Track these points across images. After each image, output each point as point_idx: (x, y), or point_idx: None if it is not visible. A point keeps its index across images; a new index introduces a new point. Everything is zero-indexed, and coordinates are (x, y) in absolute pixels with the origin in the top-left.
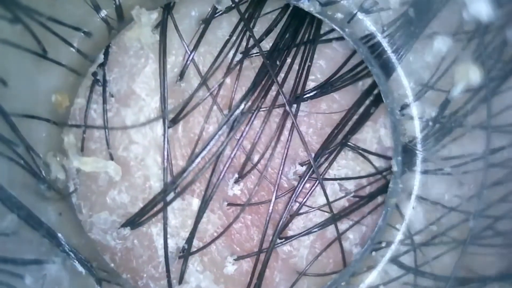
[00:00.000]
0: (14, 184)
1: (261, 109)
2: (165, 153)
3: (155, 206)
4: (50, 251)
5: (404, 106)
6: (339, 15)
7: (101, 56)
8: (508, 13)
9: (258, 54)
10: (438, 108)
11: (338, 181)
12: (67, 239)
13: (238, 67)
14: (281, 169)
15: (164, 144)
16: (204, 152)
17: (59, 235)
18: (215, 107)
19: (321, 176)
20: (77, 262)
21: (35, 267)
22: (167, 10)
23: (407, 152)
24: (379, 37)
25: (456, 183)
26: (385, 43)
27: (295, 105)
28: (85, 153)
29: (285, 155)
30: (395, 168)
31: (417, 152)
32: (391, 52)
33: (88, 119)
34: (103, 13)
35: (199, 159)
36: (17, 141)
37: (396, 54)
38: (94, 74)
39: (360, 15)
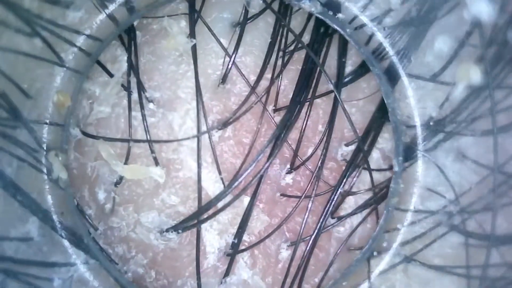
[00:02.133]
0: (34, 188)
1: (307, 100)
2: (198, 161)
3: (208, 210)
4: (75, 253)
5: (405, 106)
6: (340, 16)
7: (124, 65)
8: (508, 13)
9: (299, 49)
10: (439, 108)
11: (383, 153)
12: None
13: (278, 64)
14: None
15: (198, 153)
16: (260, 157)
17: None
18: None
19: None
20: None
21: (61, 269)
22: (193, 13)
23: (408, 149)
24: (380, 37)
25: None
26: (386, 43)
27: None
28: (130, 158)
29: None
30: (396, 168)
31: (417, 152)
32: (392, 52)
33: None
34: (109, 9)
35: (253, 165)
36: (37, 147)
37: (396, 54)
38: (126, 86)
39: (361, 16)
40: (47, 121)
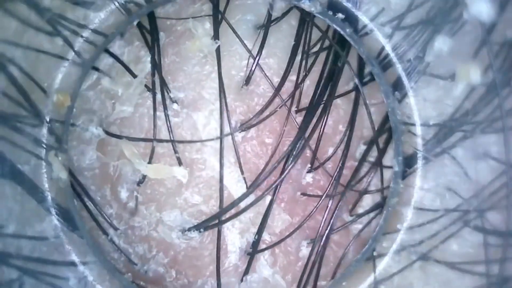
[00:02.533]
0: (52, 187)
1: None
2: (221, 161)
3: (229, 210)
4: (90, 253)
5: (405, 106)
6: (339, 15)
7: (148, 66)
8: (508, 13)
9: (324, 50)
10: (439, 108)
11: None
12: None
13: (304, 71)
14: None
15: (221, 153)
16: (283, 158)
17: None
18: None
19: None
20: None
21: (77, 269)
22: (217, 14)
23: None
24: (380, 37)
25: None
26: (385, 43)
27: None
28: (154, 158)
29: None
30: (396, 168)
31: (417, 152)
32: (392, 51)
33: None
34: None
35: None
36: (56, 146)
37: (396, 54)
38: (150, 87)
39: (360, 16)
40: (47, 120)
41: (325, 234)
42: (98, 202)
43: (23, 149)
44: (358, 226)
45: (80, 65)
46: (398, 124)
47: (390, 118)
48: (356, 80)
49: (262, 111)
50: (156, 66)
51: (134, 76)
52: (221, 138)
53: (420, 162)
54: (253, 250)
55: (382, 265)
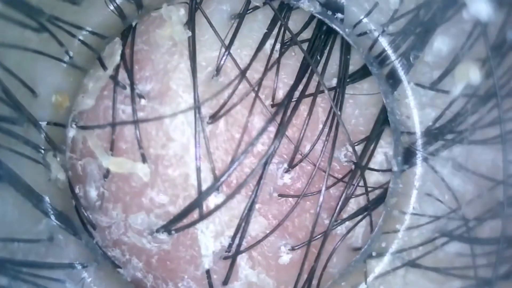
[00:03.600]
0: (46, 189)
1: (305, 97)
2: (197, 153)
3: (196, 208)
4: (87, 255)
5: (405, 106)
6: (339, 15)
7: (117, 57)
8: (508, 13)
9: (301, 42)
10: (438, 108)
11: (387, 158)
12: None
13: (277, 59)
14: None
15: (195, 144)
16: (249, 147)
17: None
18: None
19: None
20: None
21: (73, 271)
22: (194, 4)
23: (408, 152)
24: (379, 37)
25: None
26: (385, 43)
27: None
28: (116, 153)
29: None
30: (395, 168)
31: (417, 152)
32: (391, 51)
33: (116, 120)
34: (116, 3)
35: (242, 157)
36: (48, 147)
37: (396, 54)
38: (115, 78)
39: (360, 16)
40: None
41: (311, 239)
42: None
43: (15, 151)
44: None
45: (75, 67)
46: (397, 124)
47: (389, 118)
48: (324, 88)
49: (229, 98)
50: (125, 58)
51: (105, 68)
52: (196, 129)
53: (419, 163)
54: (235, 253)
55: (382, 264)
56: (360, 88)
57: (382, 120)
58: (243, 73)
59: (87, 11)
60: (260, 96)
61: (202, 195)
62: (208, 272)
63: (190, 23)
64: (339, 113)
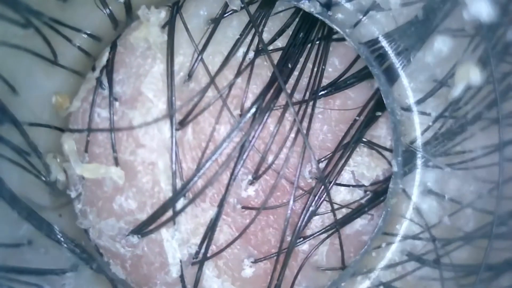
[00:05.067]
0: (27, 193)
1: (274, 108)
2: (173, 157)
3: (165, 213)
4: (68, 260)
5: (405, 106)
6: (339, 16)
7: (105, 59)
8: (508, 13)
9: (272, 51)
10: (439, 108)
11: (355, 177)
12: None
13: (249, 66)
14: (298, 170)
15: (172, 147)
16: (216, 155)
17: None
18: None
19: (337, 174)
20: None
21: (53, 277)
22: (176, 8)
23: (408, 153)
24: (380, 37)
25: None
26: (385, 44)
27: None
28: (89, 157)
29: (302, 155)
30: (395, 169)
31: (417, 152)
32: (392, 52)
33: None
34: (109, 10)
35: (208, 164)
36: (28, 149)
37: (396, 55)
38: (99, 78)
39: (360, 17)
40: (44, 123)
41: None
42: None
43: None
44: (305, 248)
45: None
46: (397, 124)
47: (390, 118)
48: (289, 103)
49: (195, 105)
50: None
51: (94, 69)
52: (172, 138)
53: (419, 163)
54: (201, 259)
55: (381, 264)
56: (332, 103)
57: (356, 137)
58: (212, 80)
59: (77, 11)
60: (229, 105)
61: (173, 198)
62: (182, 277)
63: (169, 27)
64: (304, 131)
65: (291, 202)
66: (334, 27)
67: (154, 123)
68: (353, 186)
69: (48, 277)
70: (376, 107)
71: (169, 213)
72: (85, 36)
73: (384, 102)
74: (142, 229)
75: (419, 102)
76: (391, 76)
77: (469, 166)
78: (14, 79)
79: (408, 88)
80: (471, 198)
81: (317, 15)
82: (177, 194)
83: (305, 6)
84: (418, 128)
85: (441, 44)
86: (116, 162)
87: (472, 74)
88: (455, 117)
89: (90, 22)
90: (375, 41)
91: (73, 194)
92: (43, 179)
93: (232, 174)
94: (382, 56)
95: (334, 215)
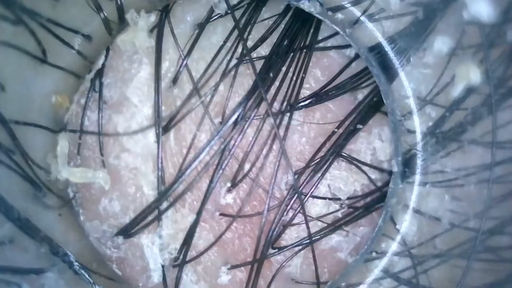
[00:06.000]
0: (11, 192)
1: (254, 118)
2: (159, 162)
3: (147, 217)
4: (48, 260)
5: (404, 106)
6: (339, 16)
7: (101, 62)
8: (508, 13)
9: (255, 59)
10: (438, 108)
11: (331, 191)
12: (65, 246)
13: (232, 73)
14: (273, 180)
15: (158, 152)
16: (196, 163)
17: (57, 242)
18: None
19: (313, 186)
20: (75, 270)
21: (33, 277)
22: (165, 13)
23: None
24: (380, 37)
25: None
26: (385, 43)
27: (289, 114)
28: (81, 160)
29: (277, 165)
30: (395, 169)
31: (417, 152)
32: (392, 52)
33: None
34: (104, 14)
35: (189, 170)
36: (14, 148)
37: (396, 55)
38: (93, 80)
39: (361, 16)
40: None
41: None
42: None
43: None
44: (279, 258)
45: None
46: (397, 124)
47: (389, 118)
48: (270, 112)
49: (178, 111)
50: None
51: (89, 72)
52: (159, 142)
53: (419, 163)
54: (181, 262)
55: (381, 265)
56: (312, 115)
57: (333, 150)
58: (195, 87)
59: (69, 11)
60: (210, 113)
61: (157, 201)
62: (164, 281)
63: (158, 32)
64: (283, 142)
65: (265, 212)
66: (335, 27)
67: (145, 130)
68: (329, 198)
69: (26, 276)
70: (359, 120)
71: (152, 216)
72: (77, 35)
73: (384, 102)
74: (127, 230)
75: (418, 100)
76: (390, 76)
77: (450, 184)
78: (2, 77)
79: (408, 88)
80: (452, 216)
81: (317, 15)
82: (160, 197)
83: (305, 6)
84: (418, 127)
85: (441, 44)
86: (104, 165)
87: (471, 74)
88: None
89: (83, 22)
90: (376, 41)
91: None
92: (40, 184)
93: (210, 181)
94: (381, 56)
95: (308, 227)
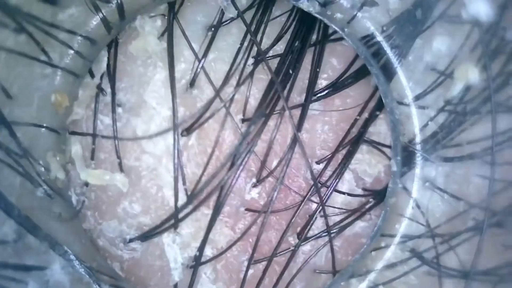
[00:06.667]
0: (13, 191)
1: (274, 112)
2: (175, 163)
3: (169, 220)
4: (51, 257)
5: (404, 106)
6: (338, 15)
7: (103, 65)
8: (507, 12)
9: (269, 58)
10: (438, 108)
11: (356, 174)
12: (67, 245)
13: (250, 74)
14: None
15: (174, 154)
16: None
17: (59, 241)
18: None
19: (339, 173)
20: (77, 267)
21: (37, 273)
22: (172, 14)
23: (407, 152)
24: (379, 37)
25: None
26: (384, 43)
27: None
28: (95, 163)
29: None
30: (394, 168)
31: (416, 152)
32: (391, 51)
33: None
34: (102, 13)
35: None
36: (17, 150)
37: (395, 54)
38: (99, 86)
39: (359, 15)
40: (43, 123)
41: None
42: None
43: None
44: (305, 249)
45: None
46: (396, 123)
47: (389, 118)
48: (286, 107)
49: (201, 114)
50: (109, 68)
51: (93, 76)
52: (175, 144)
53: (418, 163)
54: (195, 263)
55: (381, 265)
56: (331, 103)
57: (357, 136)
58: (217, 94)
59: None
60: (231, 111)
61: (177, 210)
62: (175, 286)
63: (167, 34)
64: (298, 134)
65: (299, 210)
66: (333, 26)
67: (164, 133)
68: (348, 194)
69: (31, 273)
70: (376, 104)
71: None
72: (76, 36)
73: (383, 101)
74: (145, 235)
75: (417, 100)
76: (389, 74)
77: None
78: (9, 83)
79: (407, 88)
80: (472, 193)
81: (316, 15)
82: (189, 201)
83: (304, 5)
84: (417, 126)
85: (440, 44)
86: (121, 168)
87: (470, 73)
88: (455, 112)
89: (82, 22)
90: (371, 36)
91: (73, 198)
92: (42, 184)
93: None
94: (379, 53)
95: (326, 219)
